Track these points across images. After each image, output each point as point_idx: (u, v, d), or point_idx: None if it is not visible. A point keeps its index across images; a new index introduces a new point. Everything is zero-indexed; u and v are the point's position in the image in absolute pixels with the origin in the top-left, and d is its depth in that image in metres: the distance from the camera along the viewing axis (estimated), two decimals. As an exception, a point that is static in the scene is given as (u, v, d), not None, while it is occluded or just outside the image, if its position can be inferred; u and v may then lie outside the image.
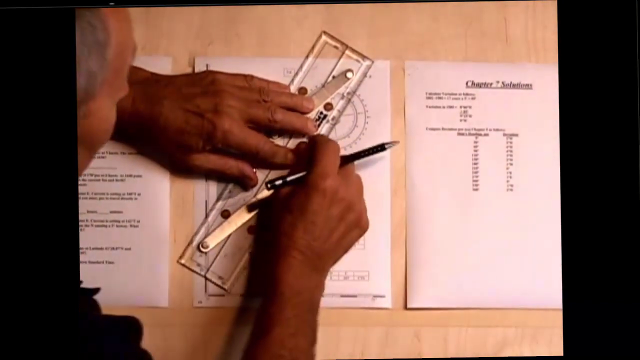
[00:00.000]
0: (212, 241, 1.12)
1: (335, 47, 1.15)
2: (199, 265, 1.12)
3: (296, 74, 1.14)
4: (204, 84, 1.08)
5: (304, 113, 1.13)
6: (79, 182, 0.95)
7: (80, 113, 0.85)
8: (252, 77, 1.11)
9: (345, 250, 1.10)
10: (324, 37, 1.14)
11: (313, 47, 1.14)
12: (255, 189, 1.13)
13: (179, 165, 1.11)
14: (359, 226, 1.10)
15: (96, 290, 0.95)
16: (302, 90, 1.14)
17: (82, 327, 0.87)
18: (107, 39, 0.85)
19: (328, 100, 1.14)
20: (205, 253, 1.12)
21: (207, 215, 1.13)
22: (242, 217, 1.13)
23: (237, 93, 1.08)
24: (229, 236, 1.13)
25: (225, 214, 1.13)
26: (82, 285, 0.95)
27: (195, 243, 1.12)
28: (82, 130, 0.86)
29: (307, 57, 1.14)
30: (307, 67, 1.14)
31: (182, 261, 1.12)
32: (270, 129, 1.11)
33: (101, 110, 0.88)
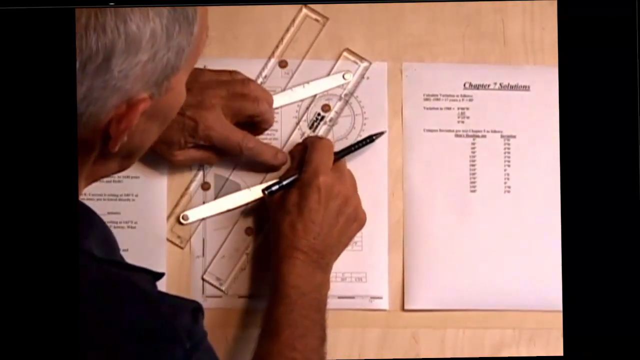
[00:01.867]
0: (193, 215, 1.12)
1: (317, 20, 1.15)
2: (179, 237, 1.12)
3: (277, 47, 1.14)
4: (187, 82, 1.08)
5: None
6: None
7: (162, 88, 0.86)
8: (237, 72, 1.11)
9: (346, 245, 1.11)
10: (304, 11, 1.15)
11: (294, 20, 1.14)
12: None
13: (165, 160, 1.11)
14: (357, 219, 1.10)
15: (161, 275, 0.96)
16: (283, 63, 1.14)
17: (159, 305, 0.88)
18: (194, 15, 0.86)
19: (322, 96, 1.14)
20: (184, 225, 1.12)
21: (187, 187, 1.13)
22: (228, 202, 1.12)
23: (220, 88, 1.08)
24: (224, 238, 1.13)
25: (206, 187, 1.13)
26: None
27: (175, 215, 1.12)
28: (160, 104, 0.88)
29: (287, 30, 1.14)
30: (288, 40, 1.14)
31: None
32: (255, 122, 1.11)
33: (179, 84, 0.90)
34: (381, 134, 1.13)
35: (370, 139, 1.12)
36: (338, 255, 1.10)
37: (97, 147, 0.88)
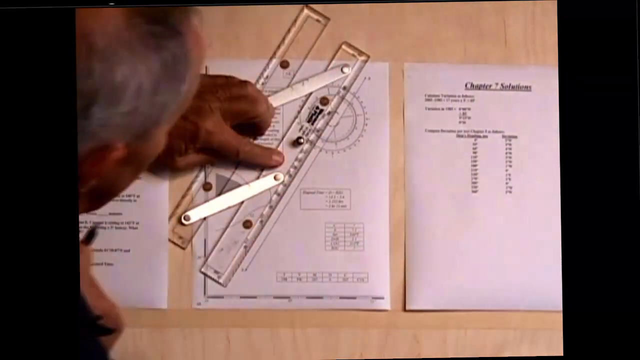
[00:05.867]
0: (195, 215, 1.12)
1: (318, 20, 1.15)
2: (180, 238, 1.12)
3: (278, 47, 1.14)
4: None
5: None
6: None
7: (140, 139, 0.85)
8: (232, 77, 1.11)
9: None
10: (305, 11, 1.15)
11: (295, 20, 1.15)
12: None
13: (166, 167, 1.11)
14: None
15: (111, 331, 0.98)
16: (284, 63, 1.14)
17: None
18: (185, 73, 0.85)
19: (321, 90, 1.14)
20: (185, 225, 1.12)
21: (189, 188, 1.13)
22: (227, 199, 1.13)
23: (219, 91, 1.08)
24: (225, 230, 1.13)
25: (208, 187, 1.13)
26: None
27: (177, 216, 1.12)
28: (136, 152, 0.86)
29: (288, 31, 1.15)
30: (290, 41, 1.14)
31: None
32: (254, 123, 1.12)
33: (159, 135, 0.88)
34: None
35: None
36: None
37: None
